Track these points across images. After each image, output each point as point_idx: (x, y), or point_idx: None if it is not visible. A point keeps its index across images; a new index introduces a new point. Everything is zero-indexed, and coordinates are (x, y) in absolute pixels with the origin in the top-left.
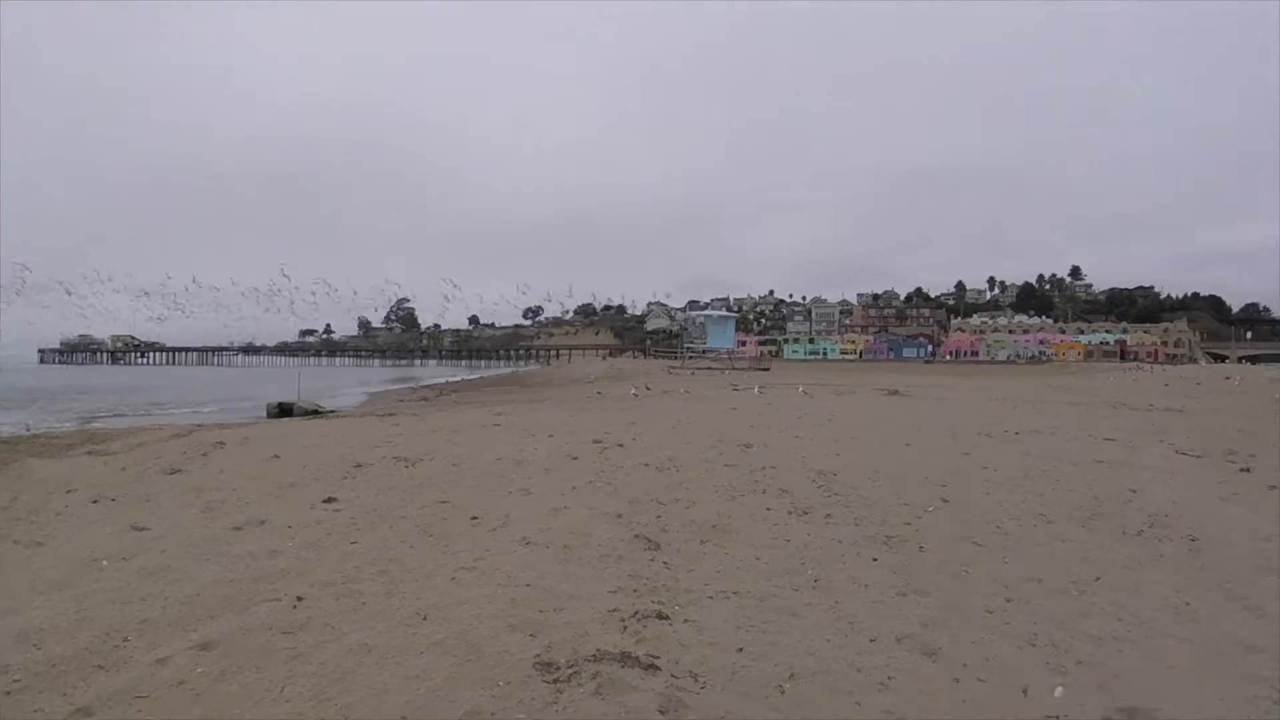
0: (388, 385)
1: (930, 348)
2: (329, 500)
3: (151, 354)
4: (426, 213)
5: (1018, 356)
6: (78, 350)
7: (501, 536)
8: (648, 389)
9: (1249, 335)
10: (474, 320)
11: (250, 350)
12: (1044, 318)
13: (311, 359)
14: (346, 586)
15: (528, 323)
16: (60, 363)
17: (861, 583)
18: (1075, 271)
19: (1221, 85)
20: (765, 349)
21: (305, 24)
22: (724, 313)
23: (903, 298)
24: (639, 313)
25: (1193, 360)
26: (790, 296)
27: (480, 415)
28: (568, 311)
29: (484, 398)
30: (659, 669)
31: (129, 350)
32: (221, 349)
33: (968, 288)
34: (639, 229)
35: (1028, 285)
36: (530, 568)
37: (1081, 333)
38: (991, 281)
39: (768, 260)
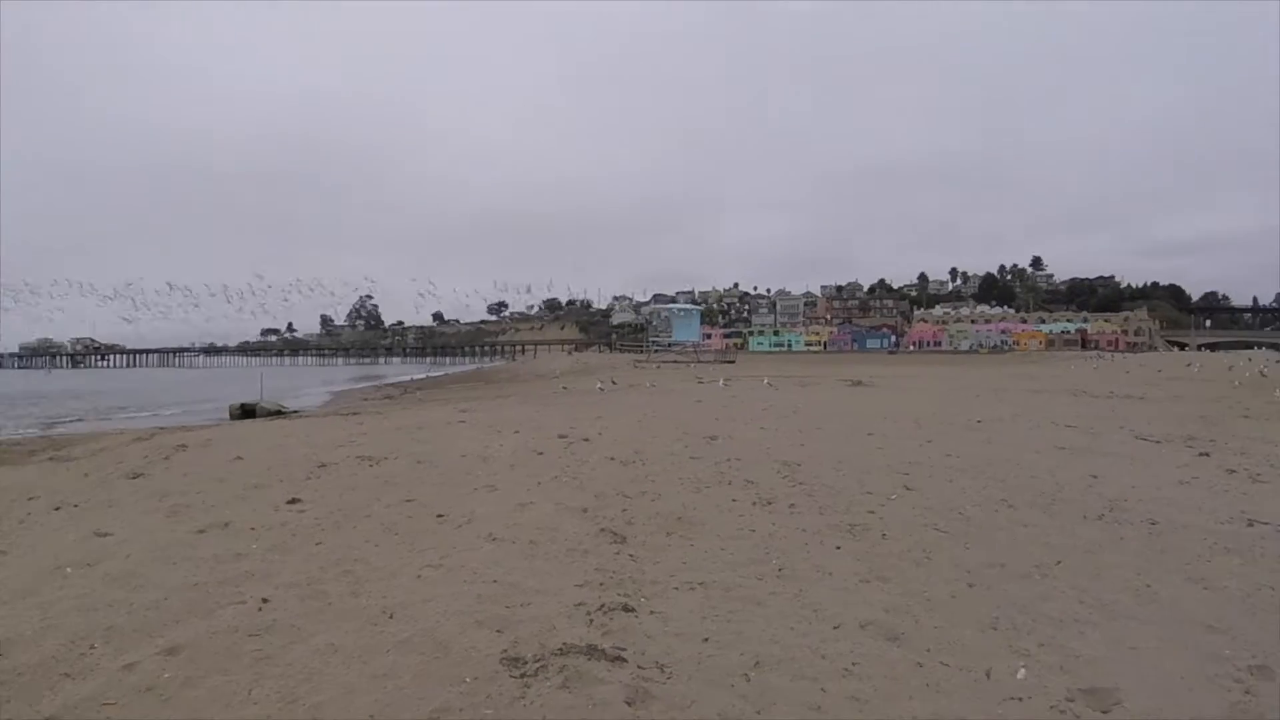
0: (351, 384)
1: (894, 339)
2: (293, 501)
3: (112, 356)
4: (388, 208)
5: (980, 346)
6: (38, 354)
7: (467, 533)
8: (613, 383)
9: (1208, 323)
10: (438, 317)
11: (212, 351)
12: (1006, 308)
13: (274, 358)
14: (312, 587)
15: (493, 319)
16: (20, 368)
17: (825, 571)
18: (1036, 262)
19: (1180, 79)
20: (730, 341)
21: (253, 18)
22: (689, 306)
23: (866, 289)
24: (604, 307)
25: (1152, 348)
26: (755, 289)
27: (445, 412)
28: (533, 307)
29: (449, 395)
30: (625, 661)
31: (89, 353)
32: (183, 350)
33: (930, 279)
34: (603, 223)
35: (989, 276)
36: (496, 564)
37: (1043, 322)
38: (954, 273)
39: (732, 253)
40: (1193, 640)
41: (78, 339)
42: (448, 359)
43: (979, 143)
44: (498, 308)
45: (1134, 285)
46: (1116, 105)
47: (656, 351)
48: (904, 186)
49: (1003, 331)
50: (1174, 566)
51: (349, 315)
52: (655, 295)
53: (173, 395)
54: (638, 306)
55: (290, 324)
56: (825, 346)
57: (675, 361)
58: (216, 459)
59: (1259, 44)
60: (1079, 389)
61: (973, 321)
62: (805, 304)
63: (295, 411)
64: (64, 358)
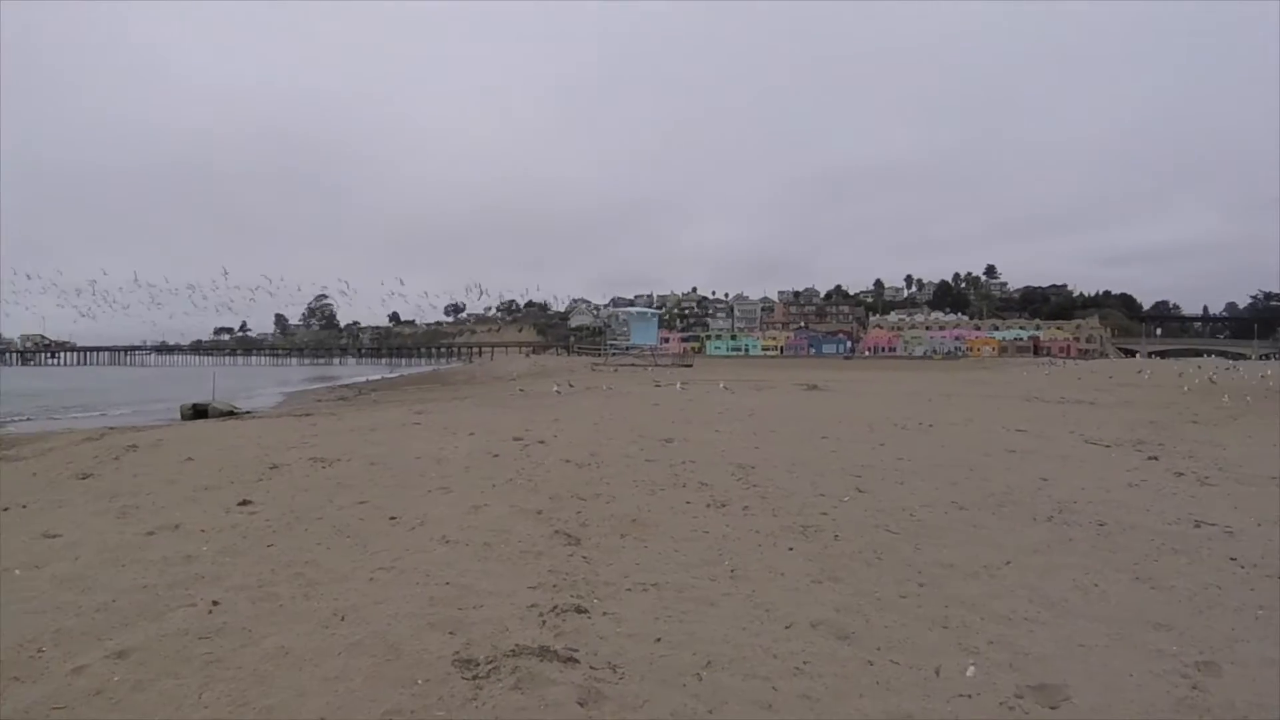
0: (305, 385)
1: (849, 344)
2: (244, 503)
3: (62, 354)
4: (343, 205)
5: (934, 352)
6: None
7: (420, 535)
8: (570, 386)
9: (1159, 331)
10: (394, 317)
11: (164, 349)
12: (960, 315)
13: (226, 358)
14: (263, 590)
15: (449, 320)
16: None
17: (778, 571)
18: (990, 270)
19: (1133, 87)
20: (688, 345)
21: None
22: (647, 310)
23: (823, 295)
24: (563, 310)
25: (1104, 355)
26: (713, 294)
27: (400, 414)
28: (490, 308)
29: (404, 396)
30: (578, 662)
31: (39, 350)
32: (134, 348)
33: (886, 285)
34: (563, 225)
35: (944, 283)
36: (449, 566)
37: (996, 329)
38: (909, 280)
39: (692, 257)
40: (1140, 638)
41: (27, 335)
42: (404, 360)
43: (936, 151)
44: (455, 309)
45: (1086, 294)
46: (1073, 116)
47: (614, 355)
48: (861, 193)
49: (957, 338)
50: (1122, 566)
51: (304, 315)
52: (614, 298)
53: (124, 394)
54: (596, 309)
55: (244, 323)
56: (782, 351)
57: (633, 365)
58: (167, 460)
59: (1214, 60)
60: (1031, 394)
61: (927, 328)
62: (763, 309)
63: (248, 412)
64: (13, 355)
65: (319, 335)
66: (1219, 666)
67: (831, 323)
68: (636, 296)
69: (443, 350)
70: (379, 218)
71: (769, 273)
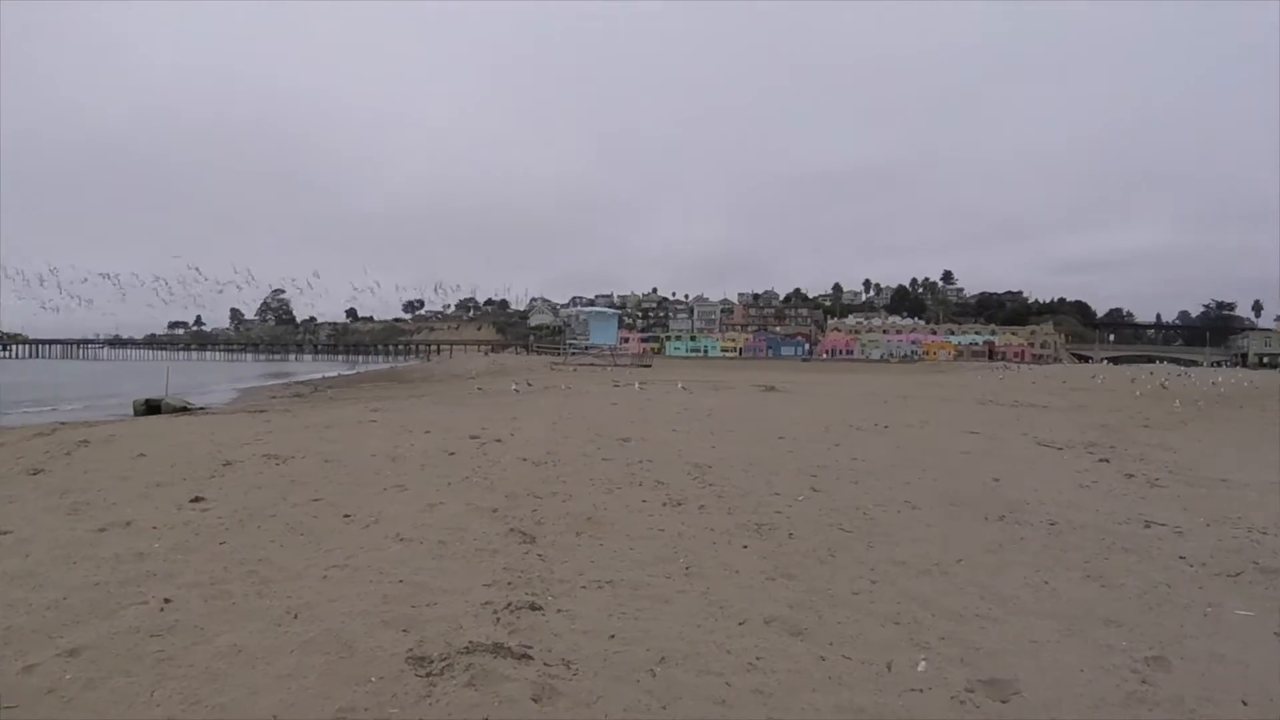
0: (261, 381)
1: (807, 347)
2: (197, 500)
3: (14, 347)
4: (299, 201)
5: (891, 356)
6: None
7: (375, 533)
8: (529, 385)
9: (1112, 338)
10: (351, 313)
11: (117, 343)
12: (917, 319)
13: (180, 353)
14: (216, 587)
15: (407, 317)
16: None
17: (732, 569)
18: (947, 276)
19: (1092, 93)
20: (648, 346)
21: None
22: (607, 309)
23: (782, 298)
24: (522, 308)
25: (1057, 360)
26: (674, 295)
27: (356, 411)
28: (449, 305)
29: (360, 394)
30: (532, 658)
31: None
32: (87, 342)
33: (844, 289)
34: (523, 224)
35: (901, 288)
36: (404, 564)
37: (952, 334)
38: (867, 284)
39: (652, 258)
40: (1091, 634)
41: None
42: (362, 357)
43: (894, 158)
44: (413, 305)
45: (1042, 300)
46: (1030, 126)
47: (574, 354)
48: (821, 198)
49: (913, 342)
50: (1073, 565)
51: (259, 309)
52: (574, 298)
53: (76, 389)
54: (556, 308)
55: (199, 316)
56: (741, 353)
57: (592, 364)
58: (119, 456)
59: (1170, 70)
60: (985, 398)
61: (885, 332)
62: (722, 311)
63: (201, 408)
64: None
65: (274, 331)
66: (1168, 662)
67: (790, 325)
68: (597, 296)
69: (401, 347)
70: (339, 212)
71: (729, 275)
